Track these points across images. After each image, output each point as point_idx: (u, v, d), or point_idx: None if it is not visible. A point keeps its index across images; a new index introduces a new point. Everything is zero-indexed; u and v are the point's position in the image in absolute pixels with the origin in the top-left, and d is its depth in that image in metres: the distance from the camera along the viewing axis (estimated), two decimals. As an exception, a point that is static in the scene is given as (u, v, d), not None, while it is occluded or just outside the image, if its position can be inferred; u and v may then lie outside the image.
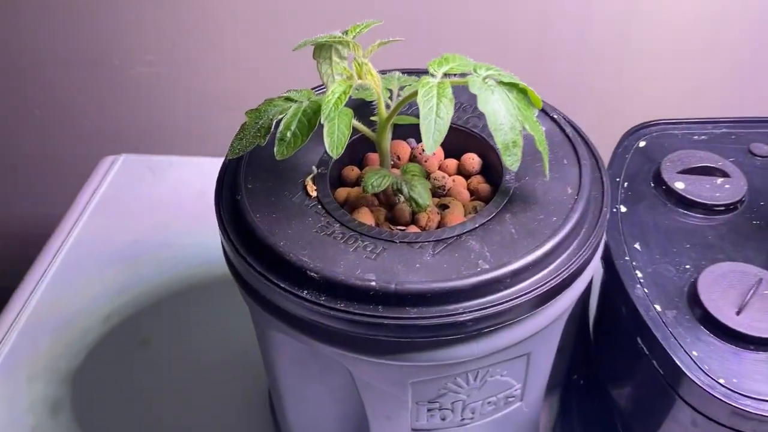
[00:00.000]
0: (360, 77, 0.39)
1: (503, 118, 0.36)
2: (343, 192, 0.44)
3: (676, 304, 0.40)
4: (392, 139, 0.44)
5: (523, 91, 0.38)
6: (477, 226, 0.39)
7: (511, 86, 0.38)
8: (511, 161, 0.36)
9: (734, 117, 0.53)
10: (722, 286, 0.40)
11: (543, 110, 0.47)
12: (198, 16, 0.90)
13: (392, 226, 0.42)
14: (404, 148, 0.47)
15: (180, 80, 0.98)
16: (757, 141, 0.52)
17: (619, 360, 0.45)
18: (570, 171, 0.42)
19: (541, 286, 0.36)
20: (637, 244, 0.44)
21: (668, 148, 0.52)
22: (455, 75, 0.39)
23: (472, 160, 0.46)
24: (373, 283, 0.35)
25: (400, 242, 0.38)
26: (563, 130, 0.45)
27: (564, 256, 0.38)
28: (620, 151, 0.52)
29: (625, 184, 0.49)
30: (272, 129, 0.38)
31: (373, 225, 0.41)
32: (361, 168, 0.47)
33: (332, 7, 0.82)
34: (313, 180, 0.43)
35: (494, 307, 0.35)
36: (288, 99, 0.39)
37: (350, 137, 0.37)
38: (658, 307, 0.40)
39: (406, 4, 0.79)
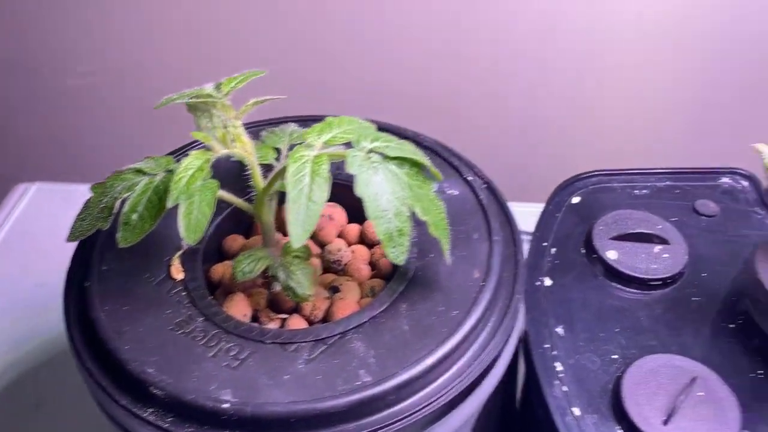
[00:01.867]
0: (225, 145, 0.33)
1: (387, 203, 0.30)
2: (221, 269, 0.38)
3: (597, 407, 0.35)
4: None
5: (417, 166, 0.32)
6: (365, 321, 0.33)
7: (402, 161, 0.32)
8: (396, 254, 0.31)
9: (679, 168, 0.48)
10: (650, 387, 0.35)
11: (457, 170, 0.41)
12: (135, 17, 0.81)
13: (271, 315, 0.36)
14: (300, 212, 0.41)
15: (111, 91, 0.89)
16: (703, 197, 0.46)
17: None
18: (480, 248, 0.36)
19: (433, 401, 0.31)
20: (561, 327, 0.39)
21: (605, 204, 0.46)
22: (340, 145, 0.33)
23: (376, 228, 0.40)
24: (226, 405, 0.29)
25: (271, 343, 0.32)
26: (477, 197, 0.39)
27: (463, 360, 0.32)
28: (550, 209, 0.46)
29: (553, 250, 0.43)
30: (117, 209, 0.32)
31: (249, 314, 0.35)
32: (248, 236, 0.41)
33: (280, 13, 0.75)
34: (182, 258, 0.37)
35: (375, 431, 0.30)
36: (139, 171, 0.33)
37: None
38: (576, 411, 0.35)
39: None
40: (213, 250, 0.39)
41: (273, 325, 0.35)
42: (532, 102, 0.67)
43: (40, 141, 0.94)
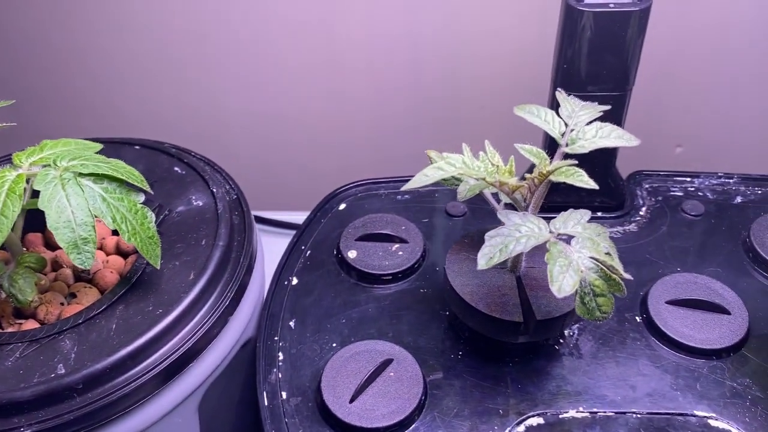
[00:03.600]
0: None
1: (69, 215, 0.34)
2: (-23, 281, 0.42)
3: (304, 391, 0.39)
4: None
5: (117, 181, 0.37)
6: (81, 321, 0.37)
7: (100, 177, 0.36)
8: (82, 260, 0.35)
9: (439, 174, 0.52)
10: (348, 369, 0.39)
11: (206, 183, 0.45)
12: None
13: (11, 320, 0.40)
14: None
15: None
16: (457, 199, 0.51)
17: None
18: (204, 253, 0.40)
19: (118, 391, 0.35)
20: (293, 321, 0.43)
21: (368, 210, 0.50)
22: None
23: (129, 239, 0.44)
24: (-73, 399, 0.33)
25: (-9, 344, 0.36)
26: (216, 206, 0.43)
27: (159, 353, 0.36)
28: (317, 216, 0.50)
29: (308, 252, 0.47)
30: None
31: (-11, 320, 0.39)
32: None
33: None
34: (-64, 273, 0.40)
35: (59, 417, 0.33)
36: None
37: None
38: (284, 395, 0.39)
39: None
40: (-25, 264, 0.43)
41: (12, 329, 0.39)
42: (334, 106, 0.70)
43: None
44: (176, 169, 0.47)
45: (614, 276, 0.31)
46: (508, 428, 0.37)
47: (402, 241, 0.47)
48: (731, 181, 0.51)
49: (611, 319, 0.42)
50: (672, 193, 0.51)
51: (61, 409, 0.34)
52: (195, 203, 0.44)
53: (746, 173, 0.51)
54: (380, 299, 0.44)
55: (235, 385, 0.43)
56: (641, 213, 0.49)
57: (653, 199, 0.50)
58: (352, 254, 0.46)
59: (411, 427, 0.37)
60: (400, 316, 0.43)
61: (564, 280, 0.31)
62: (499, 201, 0.39)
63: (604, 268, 0.32)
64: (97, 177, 0.36)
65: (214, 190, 0.45)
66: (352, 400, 0.37)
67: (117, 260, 0.44)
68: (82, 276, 0.43)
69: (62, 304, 0.40)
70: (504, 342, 0.40)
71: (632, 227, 0.48)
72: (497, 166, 0.35)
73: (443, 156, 0.39)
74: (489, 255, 0.32)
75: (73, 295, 0.41)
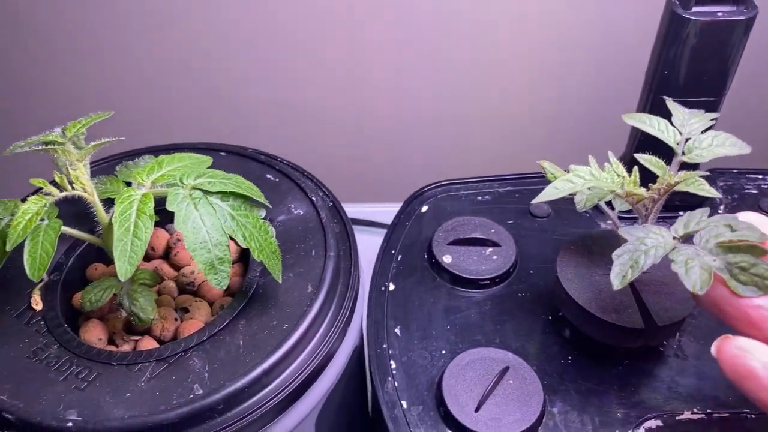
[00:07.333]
0: (64, 187, 0.36)
1: (205, 236, 0.34)
2: (79, 297, 0.41)
3: (423, 399, 0.39)
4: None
5: (241, 197, 0.36)
6: (206, 338, 0.37)
7: (226, 195, 0.36)
8: (218, 280, 0.34)
9: (518, 174, 0.53)
10: (467, 378, 0.39)
11: (303, 191, 0.45)
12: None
13: (125, 338, 0.39)
14: (160, 238, 0.45)
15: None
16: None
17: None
18: (316, 264, 0.40)
19: (261, 407, 0.35)
20: (398, 328, 0.43)
21: (450, 212, 0.51)
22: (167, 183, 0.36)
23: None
24: (70, 424, 0.33)
25: (118, 364, 0.36)
26: (319, 216, 0.43)
27: (291, 368, 0.36)
28: (402, 219, 0.50)
29: (399, 257, 0.48)
30: (-36, 253, 0.35)
31: (104, 338, 0.39)
32: (110, 264, 0.44)
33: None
34: (44, 289, 0.40)
35: (203, 438, 0.34)
36: (-14, 216, 0.36)
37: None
38: (404, 404, 0.39)
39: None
40: (77, 278, 0.42)
41: (127, 347, 0.39)
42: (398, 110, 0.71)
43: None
44: (269, 176, 0.46)
45: (750, 242, 0.30)
46: (629, 431, 0.38)
47: (495, 244, 0.47)
48: (803, 177, 0.52)
49: (711, 320, 0.43)
50: (747, 191, 0.52)
51: (203, 429, 0.34)
52: (295, 212, 0.44)
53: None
54: (480, 304, 0.45)
55: (344, 393, 0.43)
56: (720, 212, 0.50)
57: (729, 197, 0.51)
58: (447, 259, 0.46)
59: (537, 434, 0.38)
60: (503, 321, 0.44)
61: (694, 276, 0.30)
62: (612, 208, 0.40)
63: (736, 243, 0.31)
64: (224, 194, 0.36)
65: (313, 198, 0.44)
66: (477, 409, 0.38)
67: (218, 271, 0.43)
68: (187, 288, 0.42)
69: (176, 319, 0.40)
70: (614, 346, 0.41)
71: (713, 226, 0.49)
72: (623, 177, 0.36)
73: (556, 167, 0.40)
74: (621, 273, 0.32)
75: (184, 310, 0.40)
